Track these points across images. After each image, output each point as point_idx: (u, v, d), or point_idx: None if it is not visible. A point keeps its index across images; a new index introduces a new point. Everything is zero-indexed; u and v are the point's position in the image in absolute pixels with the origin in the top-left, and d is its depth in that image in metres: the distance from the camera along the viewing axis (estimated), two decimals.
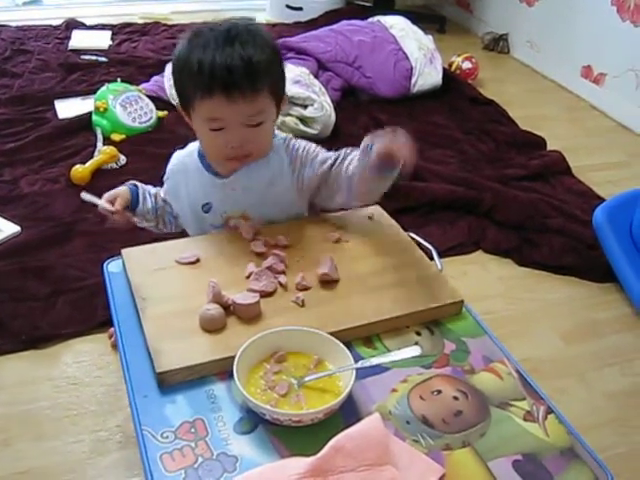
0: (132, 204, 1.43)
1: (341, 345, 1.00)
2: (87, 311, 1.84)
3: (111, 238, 2.11)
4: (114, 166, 2.51)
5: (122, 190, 1.42)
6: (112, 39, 3.70)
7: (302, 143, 1.39)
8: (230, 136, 1.26)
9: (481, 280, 2.17)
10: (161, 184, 1.49)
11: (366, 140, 1.25)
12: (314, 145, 1.40)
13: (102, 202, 1.39)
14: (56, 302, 1.87)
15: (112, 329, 1.62)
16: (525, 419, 0.99)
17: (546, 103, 3.52)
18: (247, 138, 1.26)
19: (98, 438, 1.54)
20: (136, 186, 1.46)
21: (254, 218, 1.35)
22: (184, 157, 1.44)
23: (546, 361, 1.86)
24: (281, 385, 0.96)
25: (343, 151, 1.34)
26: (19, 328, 1.79)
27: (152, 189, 1.49)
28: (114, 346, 1.63)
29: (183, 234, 1.49)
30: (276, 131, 1.39)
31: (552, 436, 0.96)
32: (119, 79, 2.96)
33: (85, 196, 1.44)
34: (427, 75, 3.29)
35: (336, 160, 1.34)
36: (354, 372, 0.95)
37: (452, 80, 3.43)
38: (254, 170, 1.34)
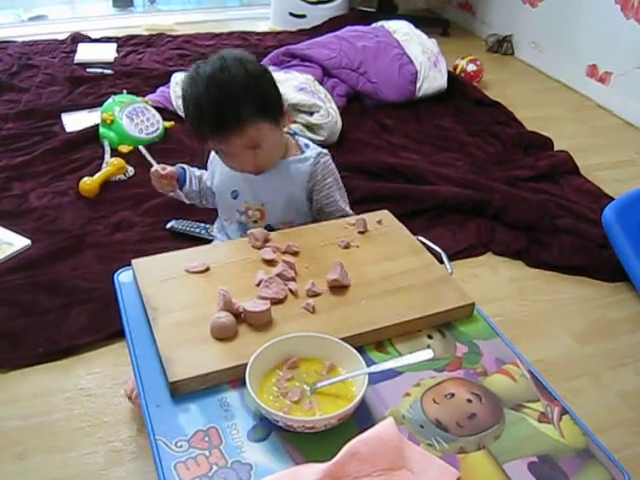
0: (180, 182, 1.60)
1: (353, 350, 0.99)
2: (100, 322, 1.84)
3: (121, 249, 2.12)
4: (122, 177, 2.52)
5: (173, 167, 1.60)
6: (117, 51, 3.72)
7: (329, 174, 1.53)
8: (237, 161, 1.46)
9: (491, 282, 2.16)
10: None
11: None
12: (337, 185, 1.55)
13: (154, 162, 1.57)
14: (69, 314, 1.88)
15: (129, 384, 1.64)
16: (540, 420, 0.98)
17: (552, 103, 3.51)
18: (252, 160, 1.44)
19: (112, 449, 1.54)
20: (184, 169, 1.63)
21: (269, 213, 1.51)
22: None
23: (559, 362, 1.85)
24: (294, 392, 0.96)
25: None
26: (33, 341, 1.80)
27: (197, 171, 1.66)
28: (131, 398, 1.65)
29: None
30: (311, 144, 1.57)
31: (567, 437, 0.96)
32: (125, 91, 2.98)
33: (142, 150, 1.67)
34: (432, 79, 3.29)
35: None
36: (367, 377, 0.95)
37: (457, 83, 3.43)
38: (275, 173, 1.49)
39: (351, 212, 1.56)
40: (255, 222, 1.52)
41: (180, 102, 2.91)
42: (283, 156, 1.52)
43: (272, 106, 1.43)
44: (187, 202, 1.67)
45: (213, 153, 1.59)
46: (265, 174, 1.48)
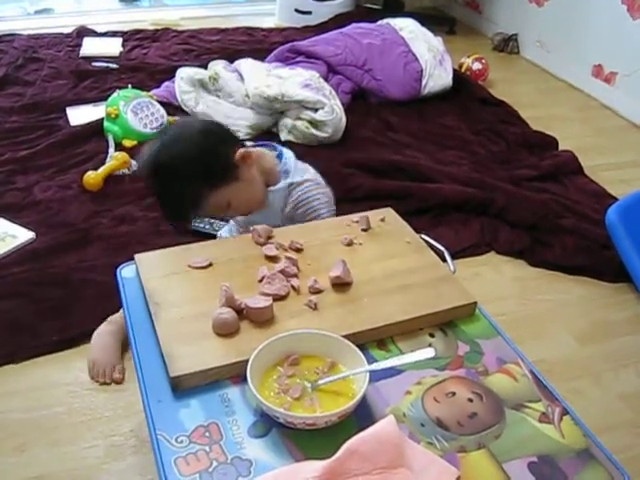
0: None
1: (354, 348, 0.99)
2: (103, 315, 1.84)
3: (125, 243, 2.12)
4: (126, 172, 2.52)
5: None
6: (123, 46, 3.72)
7: (301, 205, 1.54)
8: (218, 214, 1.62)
9: (494, 281, 2.16)
10: None
11: None
12: (317, 209, 1.54)
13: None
14: (73, 307, 1.88)
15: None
16: (540, 421, 0.98)
17: (557, 103, 3.51)
18: (232, 212, 1.51)
19: (113, 443, 1.55)
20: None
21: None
22: None
23: (560, 362, 1.85)
24: (295, 388, 0.96)
25: None
26: (39, 333, 1.80)
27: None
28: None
29: None
30: (292, 170, 1.56)
31: (568, 437, 0.96)
32: (130, 85, 2.97)
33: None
34: (437, 77, 3.29)
35: None
36: (368, 375, 0.95)
37: (462, 81, 3.43)
38: None
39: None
40: None
41: (185, 97, 2.94)
42: (268, 184, 1.56)
43: (222, 171, 1.46)
44: None
45: None
46: None
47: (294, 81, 2.81)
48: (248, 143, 1.69)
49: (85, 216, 2.27)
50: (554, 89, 3.69)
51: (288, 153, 1.65)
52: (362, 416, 0.95)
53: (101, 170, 2.45)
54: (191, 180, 1.42)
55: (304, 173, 1.59)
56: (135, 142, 2.70)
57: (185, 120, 1.60)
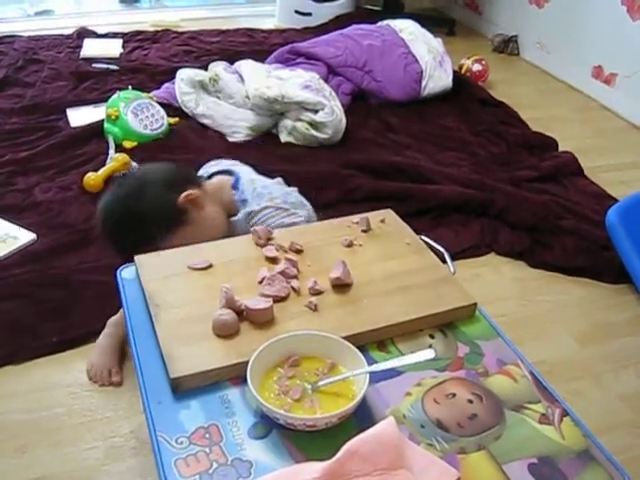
0: None
1: (354, 349, 0.99)
2: (103, 316, 1.84)
3: None
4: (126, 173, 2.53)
5: None
6: (123, 47, 3.72)
7: (265, 220, 1.54)
8: None
9: (494, 282, 2.16)
10: None
11: None
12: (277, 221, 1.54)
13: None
14: (72, 308, 1.88)
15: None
16: (540, 422, 0.98)
17: (557, 104, 3.51)
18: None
19: (113, 444, 1.55)
20: None
21: None
22: None
23: (561, 363, 1.85)
24: (295, 390, 0.96)
25: None
26: (40, 334, 1.81)
27: None
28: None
29: None
30: (249, 198, 1.58)
31: (568, 439, 0.96)
32: (130, 87, 2.98)
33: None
34: (437, 78, 3.29)
35: None
36: (368, 376, 0.95)
37: (462, 82, 3.43)
38: None
39: None
40: None
41: (185, 98, 2.94)
42: (230, 214, 1.59)
43: (170, 218, 1.51)
44: None
45: None
46: None
47: (294, 82, 2.82)
48: (211, 170, 1.73)
49: (85, 217, 2.28)
50: (554, 90, 3.69)
51: (245, 178, 1.66)
52: (362, 417, 0.95)
53: (101, 171, 2.46)
54: (140, 230, 1.48)
55: (262, 199, 1.58)
56: (135, 143, 2.70)
57: (141, 169, 1.63)
